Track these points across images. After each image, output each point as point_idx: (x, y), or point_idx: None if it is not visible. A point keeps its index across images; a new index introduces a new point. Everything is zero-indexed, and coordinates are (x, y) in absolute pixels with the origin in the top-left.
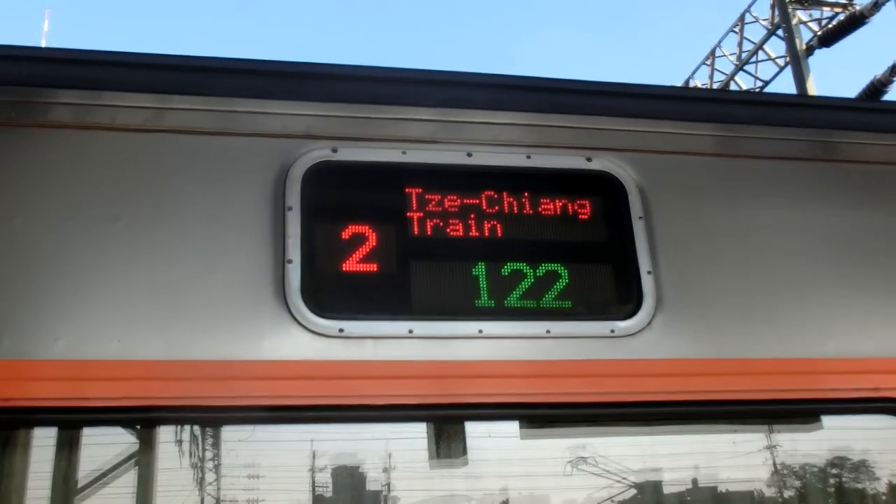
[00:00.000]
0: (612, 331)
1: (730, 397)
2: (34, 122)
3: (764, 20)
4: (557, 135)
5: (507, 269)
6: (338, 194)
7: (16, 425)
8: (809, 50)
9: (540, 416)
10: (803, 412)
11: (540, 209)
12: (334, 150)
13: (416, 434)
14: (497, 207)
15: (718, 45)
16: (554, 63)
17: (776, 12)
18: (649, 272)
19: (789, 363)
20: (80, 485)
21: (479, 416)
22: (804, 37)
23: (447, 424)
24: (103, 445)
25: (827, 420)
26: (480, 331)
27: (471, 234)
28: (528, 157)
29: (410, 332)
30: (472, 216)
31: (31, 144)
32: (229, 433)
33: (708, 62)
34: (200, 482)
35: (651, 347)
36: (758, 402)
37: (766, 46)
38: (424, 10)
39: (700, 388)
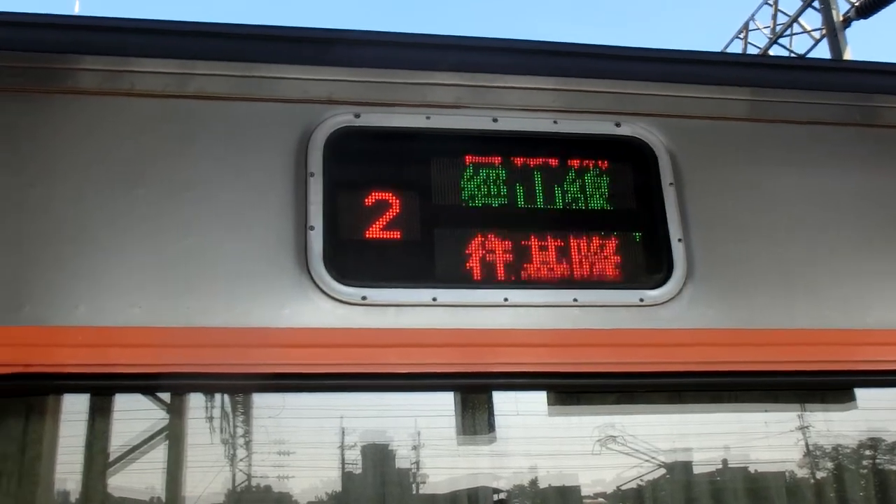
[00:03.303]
0: (642, 300)
1: (762, 368)
2: (56, 89)
3: None
4: (585, 100)
5: (533, 237)
6: (360, 160)
7: (38, 391)
8: (846, 21)
9: (567, 386)
10: (840, 384)
11: (567, 176)
12: (357, 116)
13: (444, 409)
14: (523, 174)
15: (752, 17)
16: (579, 36)
17: None
18: (680, 240)
19: (825, 334)
20: (107, 450)
21: (504, 385)
22: (841, 8)
23: (472, 394)
24: (126, 412)
25: (865, 396)
26: (506, 299)
27: (496, 200)
28: (556, 122)
29: (434, 299)
30: (498, 182)
31: (53, 111)
32: (250, 400)
33: (741, 36)
34: (227, 452)
35: (681, 317)
36: (792, 374)
37: (801, 19)
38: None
39: (731, 359)
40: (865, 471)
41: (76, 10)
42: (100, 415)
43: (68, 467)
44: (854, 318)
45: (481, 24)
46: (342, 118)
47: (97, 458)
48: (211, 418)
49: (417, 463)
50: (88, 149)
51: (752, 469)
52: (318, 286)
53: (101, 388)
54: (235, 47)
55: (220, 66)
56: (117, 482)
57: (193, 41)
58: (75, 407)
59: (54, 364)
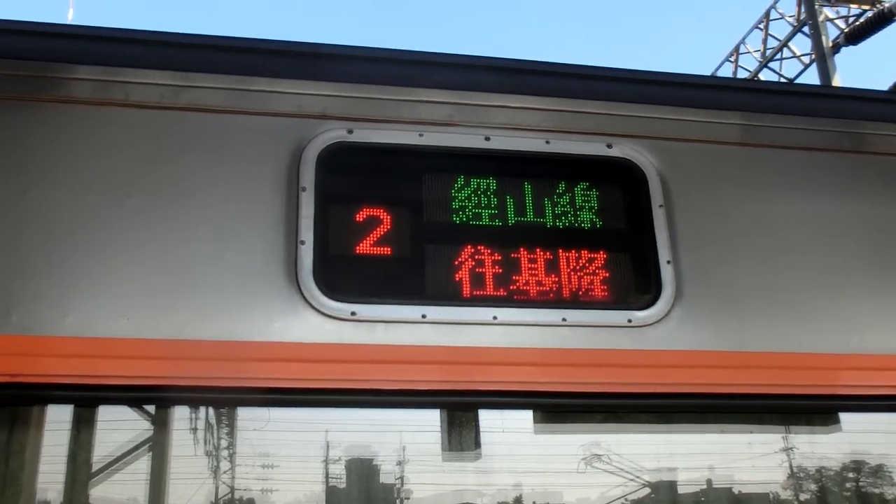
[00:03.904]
0: (630, 320)
1: (749, 391)
2: (49, 98)
3: (790, 17)
4: (577, 120)
5: (523, 256)
6: (352, 176)
7: (24, 401)
8: (836, 47)
9: (554, 406)
10: (825, 408)
11: (558, 195)
12: (350, 132)
13: (430, 426)
14: (515, 192)
15: (743, 41)
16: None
17: (802, 9)
18: (669, 262)
19: (811, 358)
20: (90, 461)
21: (492, 403)
22: (831, 34)
23: (459, 411)
24: (112, 422)
25: (849, 419)
26: (495, 317)
27: (487, 219)
28: (548, 142)
29: (423, 316)
30: (489, 201)
31: (46, 120)
32: (235, 413)
33: (732, 59)
34: (211, 464)
35: (669, 338)
36: (778, 397)
37: (791, 43)
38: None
39: (718, 381)
40: (849, 493)
41: (69, 19)
42: (85, 426)
43: (52, 477)
44: (840, 343)
45: (488, 39)
46: (335, 133)
47: (81, 469)
48: (196, 430)
49: (403, 479)
50: (81, 158)
51: (736, 490)
52: (307, 301)
53: (89, 400)
54: (230, 60)
55: (215, 79)
56: (101, 493)
57: (189, 53)
58: (62, 417)
59: (42, 374)
